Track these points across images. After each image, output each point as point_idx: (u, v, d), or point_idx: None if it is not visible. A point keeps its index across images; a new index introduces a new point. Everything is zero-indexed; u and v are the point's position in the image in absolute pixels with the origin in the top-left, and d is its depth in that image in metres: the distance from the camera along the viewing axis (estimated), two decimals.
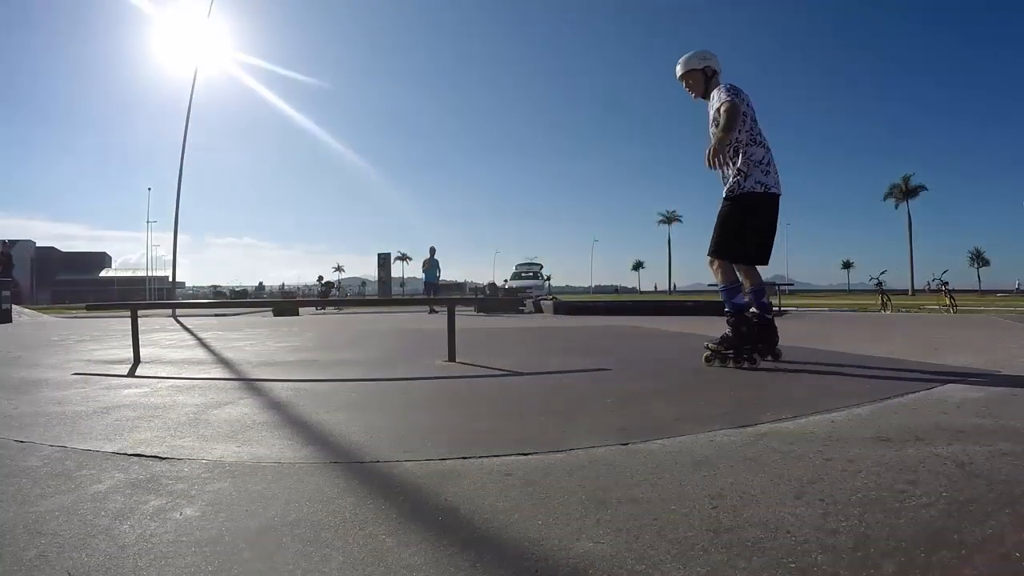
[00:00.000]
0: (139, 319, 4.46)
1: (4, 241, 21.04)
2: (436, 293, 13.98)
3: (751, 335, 3.15)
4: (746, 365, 3.08)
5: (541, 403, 2.41)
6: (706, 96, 3.28)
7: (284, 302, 21.10)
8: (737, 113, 3.01)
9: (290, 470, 1.55)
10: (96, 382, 3.11)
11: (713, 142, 3.02)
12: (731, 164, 3.16)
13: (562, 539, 1.08)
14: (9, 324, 10.66)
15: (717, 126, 3.08)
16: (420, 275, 15.45)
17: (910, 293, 40.60)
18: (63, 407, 2.40)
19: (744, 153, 3.11)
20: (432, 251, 14.53)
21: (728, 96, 3.05)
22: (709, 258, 3.24)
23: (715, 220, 3.23)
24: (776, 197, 3.18)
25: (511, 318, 10.31)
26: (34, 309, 17.90)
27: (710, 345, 3.19)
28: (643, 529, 1.12)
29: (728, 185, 3.17)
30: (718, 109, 3.07)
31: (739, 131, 3.09)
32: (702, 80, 3.29)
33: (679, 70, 3.31)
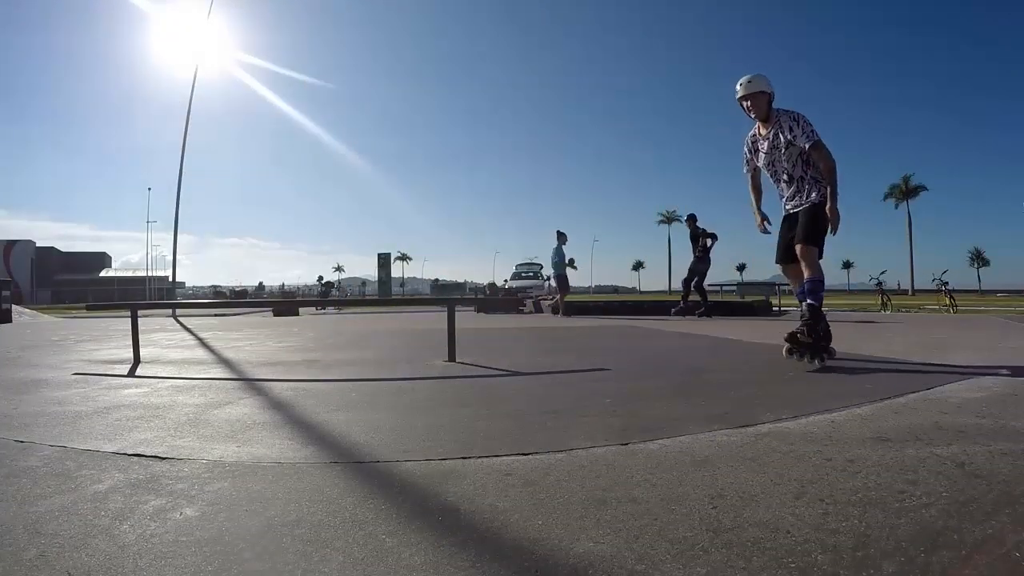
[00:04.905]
0: (139, 319, 4.46)
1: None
2: (564, 289, 10.78)
3: (828, 333, 3.24)
4: (818, 364, 3.10)
5: (541, 403, 2.41)
6: (765, 119, 3.42)
7: (284, 302, 21.14)
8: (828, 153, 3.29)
9: (290, 470, 1.55)
10: (96, 382, 3.11)
11: (833, 203, 3.23)
12: (804, 176, 3.39)
13: (562, 539, 1.08)
14: (9, 324, 10.67)
15: (794, 155, 3.35)
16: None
17: (910, 293, 40.60)
18: (63, 407, 2.40)
19: (814, 167, 3.35)
20: (560, 236, 10.51)
21: (816, 136, 3.26)
22: (802, 247, 3.27)
23: (801, 216, 3.36)
24: None
25: (511, 318, 10.30)
26: (34, 309, 17.92)
27: (798, 335, 3.17)
28: (643, 529, 1.12)
29: (818, 191, 3.33)
30: (805, 147, 3.27)
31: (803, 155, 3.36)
32: (766, 104, 3.42)
33: (747, 90, 3.39)
